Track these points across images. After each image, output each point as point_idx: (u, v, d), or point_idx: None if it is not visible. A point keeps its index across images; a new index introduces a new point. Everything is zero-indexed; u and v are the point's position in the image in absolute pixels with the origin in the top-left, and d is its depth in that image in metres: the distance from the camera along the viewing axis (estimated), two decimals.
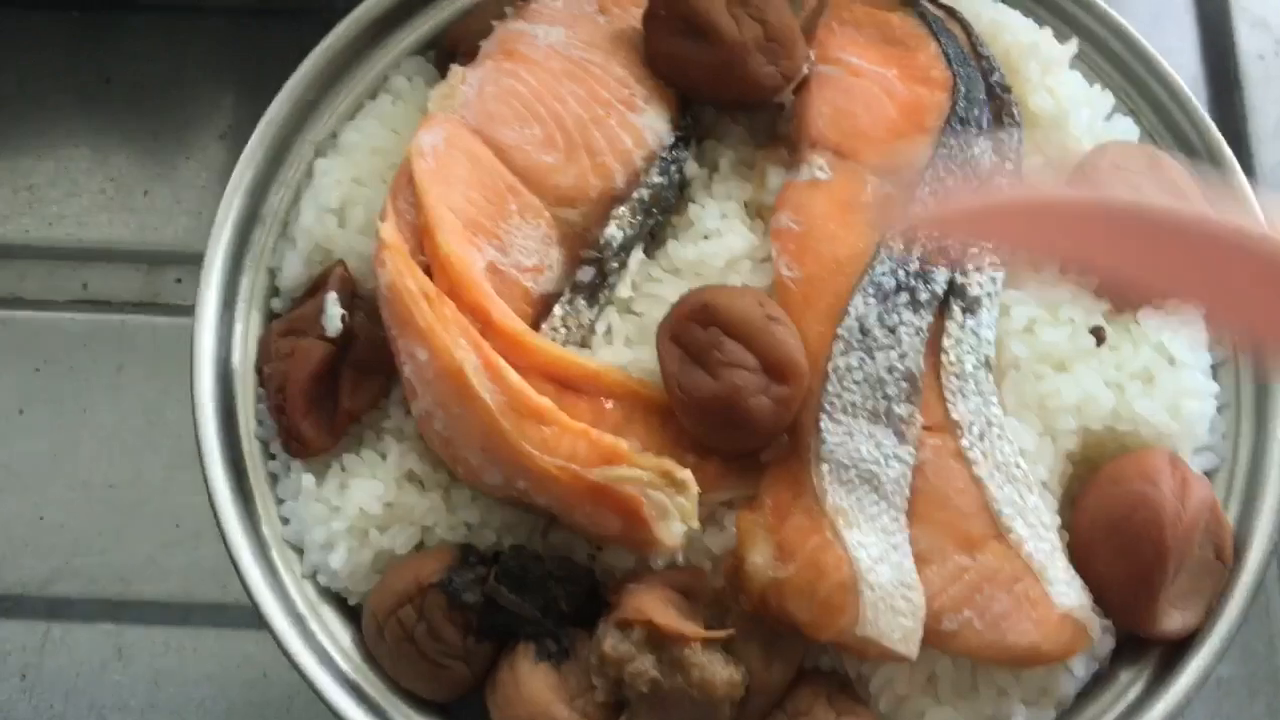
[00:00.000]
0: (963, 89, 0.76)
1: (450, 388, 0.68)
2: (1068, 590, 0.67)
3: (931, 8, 0.82)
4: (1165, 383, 0.72)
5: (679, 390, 0.68)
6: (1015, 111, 0.78)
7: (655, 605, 0.67)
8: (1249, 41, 1.18)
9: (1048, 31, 0.82)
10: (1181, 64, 1.18)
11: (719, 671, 0.66)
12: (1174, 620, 0.69)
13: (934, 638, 0.66)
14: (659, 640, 0.66)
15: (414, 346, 0.69)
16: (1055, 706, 0.70)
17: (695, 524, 0.67)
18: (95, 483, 0.99)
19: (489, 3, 0.85)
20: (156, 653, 0.94)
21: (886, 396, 0.69)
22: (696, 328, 0.68)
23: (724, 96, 0.79)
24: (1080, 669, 0.70)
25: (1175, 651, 0.70)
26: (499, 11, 0.83)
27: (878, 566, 0.66)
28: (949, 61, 0.78)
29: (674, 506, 0.67)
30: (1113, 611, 0.70)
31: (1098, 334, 0.73)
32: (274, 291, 0.80)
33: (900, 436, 0.69)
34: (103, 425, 1.01)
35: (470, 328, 0.69)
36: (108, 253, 1.07)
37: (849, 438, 0.68)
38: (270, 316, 0.80)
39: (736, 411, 0.67)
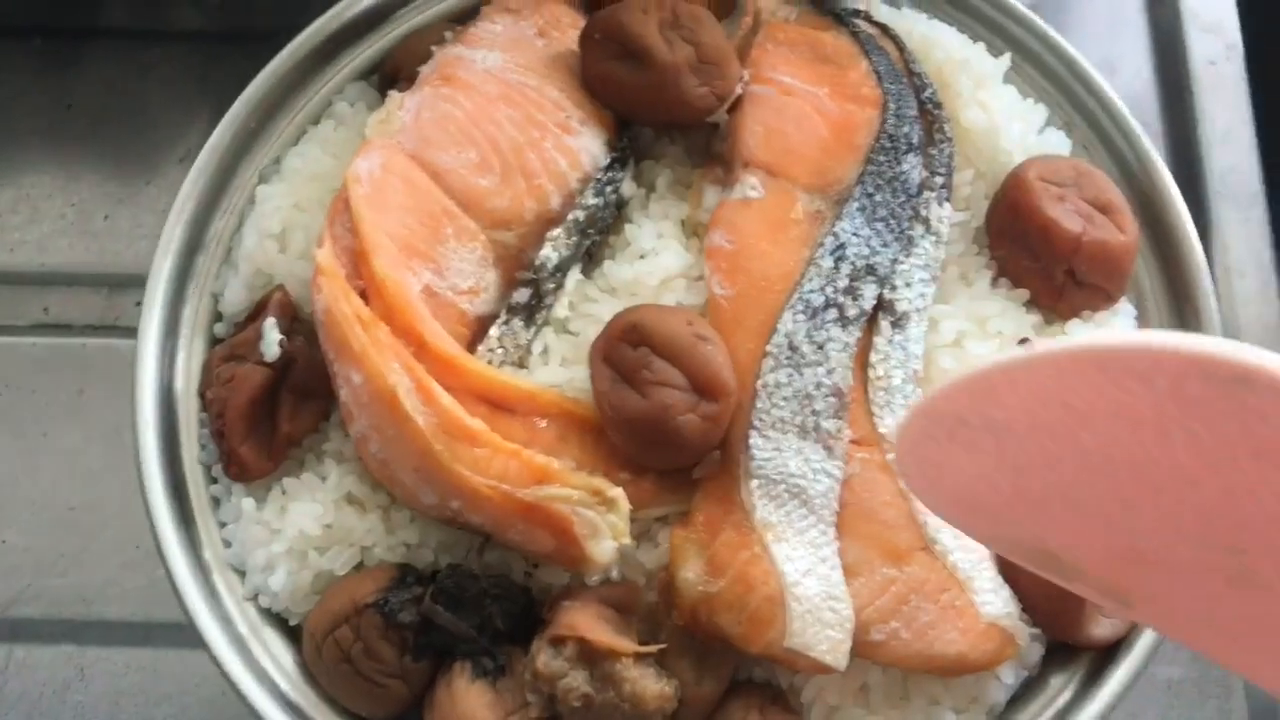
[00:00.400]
0: (893, 106, 0.78)
1: (384, 410, 0.69)
2: (994, 599, 0.68)
3: (864, 26, 0.83)
4: None
5: (609, 409, 0.69)
6: (947, 127, 0.79)
7: (587, 621, 0.67)
8: (1200, 47, 1.19)
9: (980, 47, 0.83)
10: (1133, 70, 1.19)
11: (650, 685, 0.67)
12: (1102, 628, 0.70)
13: (863, 648, 0.67)
14: (591, 655, 0.67)
15: (349, 370, 0.70)
16: (986, 714, 0.71)
17: (627, 541, 0.68)
18: (56, 505, 1.00)
19: (431, 29, 0.86)
20: (117, 673, 0.96)
21: (815, 412, 0.70)
22: (626, 347, 0.69)
23: (659, 117, 0.80)
24: (1009, 676, 0.71)
25: (1105, 657, 0.71)
26: (441, 37, 0.84)
27: (805, 580, 0.67)
28: (880, 79, 0.79)
29: (605, 524, 0.68)
30: (1042, 621, 0.71)
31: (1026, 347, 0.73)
32: (218, 316, 0.81)
33: (829, 451, 0.70)
34: (63, 448, 1.02)
35: (404, 351, 0.70)
36: (69, 277, 1.08)
37: (778, 453, 0.69)
38: (213, 341, 0.81)
39: (666, 429, 0.68)
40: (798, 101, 0.79)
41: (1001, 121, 0.80)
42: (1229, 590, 0.38)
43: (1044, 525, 0.42)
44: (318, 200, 0.80)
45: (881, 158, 0.76)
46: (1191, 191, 1.14)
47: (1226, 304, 1.08)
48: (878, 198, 0.75)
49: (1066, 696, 0.71)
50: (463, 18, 0.89)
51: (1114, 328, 0.77)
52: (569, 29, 0.85)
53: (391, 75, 0.85)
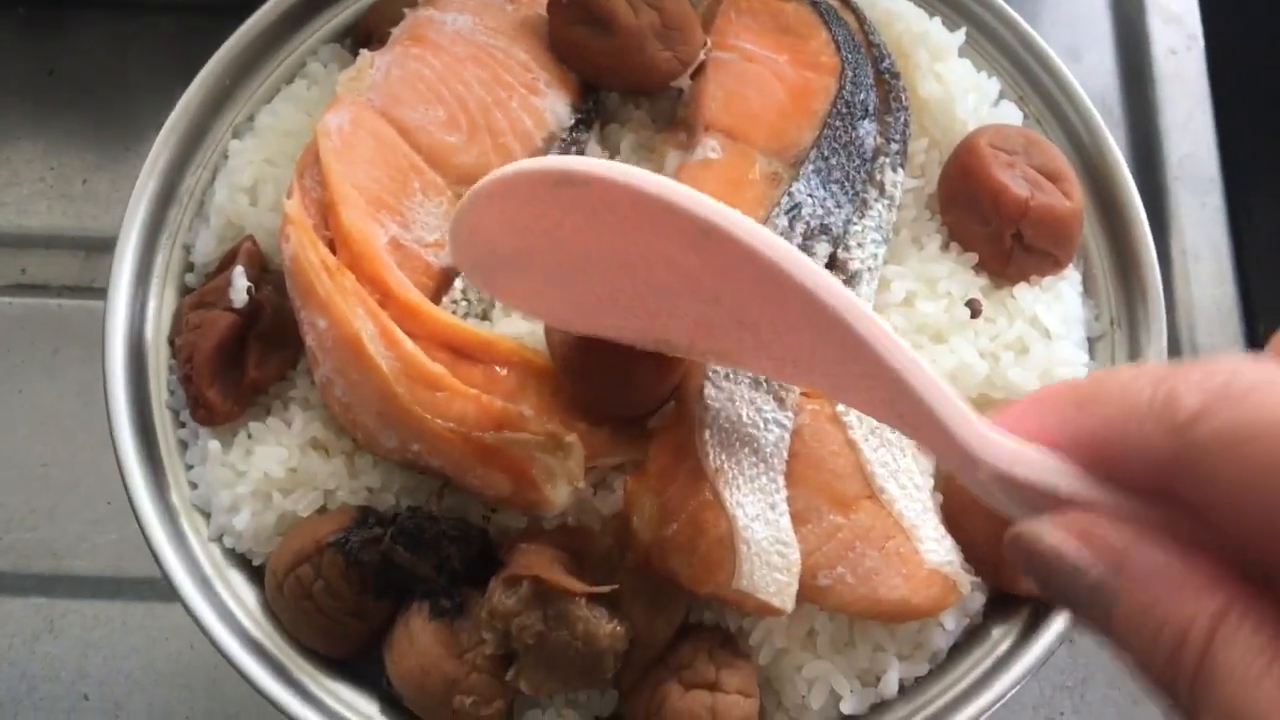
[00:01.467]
0: (849, 74, 0.80)
1: (348, 354, 0.71)
2: (937, 548, 0.70)
3: None
4: (1038, 353, 0.76)
5: (563, 352, 0.71)
6: (903, 96, 0.81)
7: (542, 562, 0.69)
8: (1162, 36, 1.22)
9: (937, 20, 0.85)
10: (1097, 59, 1.22)
11: (603, 625, 0.69)
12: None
13: (810, 593, 0.69)
14: (546, 595, 0.69)
15: (315, 316, 0.72)
16: (929, 660, 0.73)
17: (581, 484, 0.70)
18: (30, 462, 1.02)
19: None
20: (87, 626, 0.97)
21: None
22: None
23: (624, 82, 0.82)
24: (951, 623, 0.73)
25: (1043, 609, 0.74)
26: (412, 1, 0.86)
27: (754, 524, 0.69)
28: (838, 48, 0.81)
29: (561, 468, 0.70)
30: (984, 570, 0.73)
31: (973, 306, 0.76)
32: (189, 267, 0.83)
33: (780, 402, 0.72)
34: (38, 406, 1.04)
35: (368, 298, 0.72)
36: (47, 239, 1.10)
37: (730, 403, 0.71)
38: (185, 291, 0.82)
39: (628, 388, 0.70)
40: (758, 68, 0.81)
41: (957, 93, 0.82)
42: (744, 332, 0.56)
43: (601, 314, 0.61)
44: (289, 155, 0.82)
45: (837, 123, 0.78)
46: (1151, 176, 1.17)
47: (1183, 285, 1.11)
48: (833, 161, 0.77)
49: (1005, 645, 0.73)
50: None
51: (1061, 292, 0.79)
52: None
53: (364, 37, 0.88)
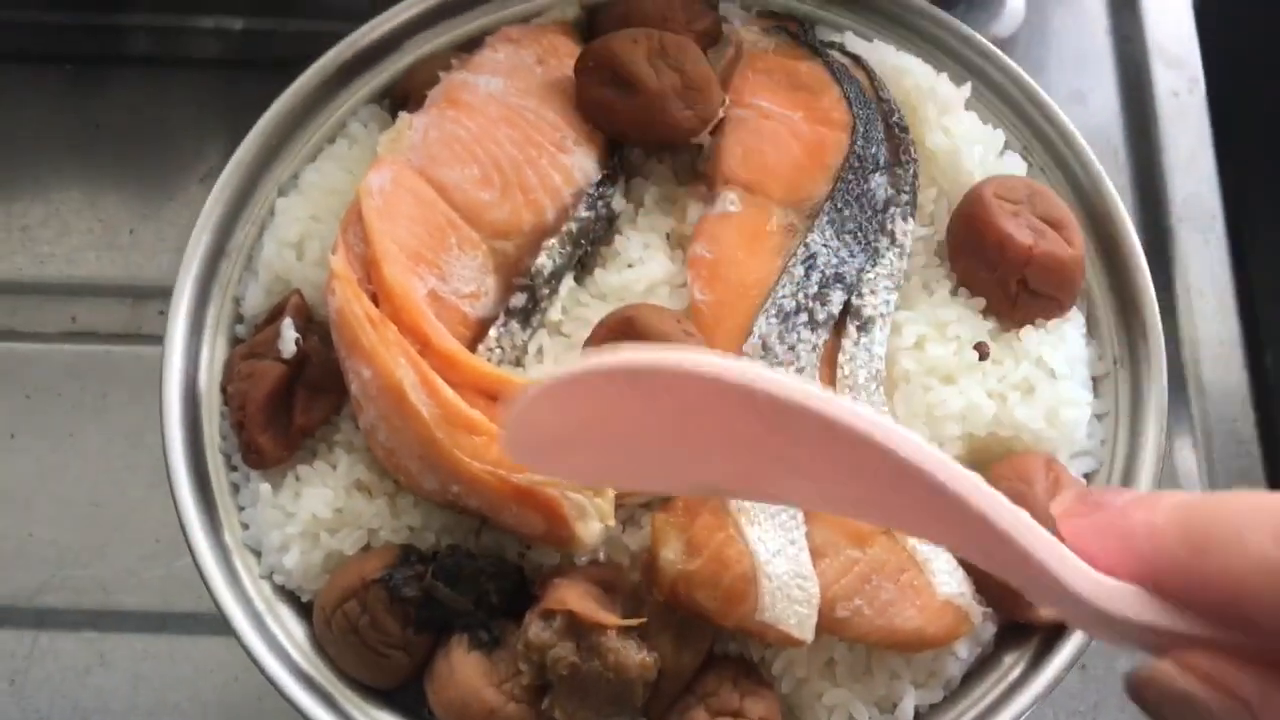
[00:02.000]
0: (861, 129, 0.84)
1: (391, 402, 0.75)
2: (949, 580, 0.74)
3: (838, 56, 0.90)
4: (1044, 393, 0.79)
5: None
6: (912, 149, 0.86)
7: (575, 596, 0.74)
8: (1164, 79, 1.26)
9: (944, 76, 0.90)
10: (1102, 101, 1.27)
11: (633, 655, 0.73)
12: (1049, 609, 0.76)
13: (829, 624, 0.73)
14: (578, 628, 0.73)
15: (360, 365, 0.77)
16: (943, 687, 0.77)
17: (611, 523, 0.74)
18: (80, 501, 1.06)
19: (438, 55, 0.93)
20: (136, 658, 1.02)
21: None
22: (620, 342, 0.75)
23: (648, 139, 0.87)
24: (964, 652, 0.76)
25: (1053, 636, 0.77)
26: (448, 64, 0.91)
27: (775, 559, 0.73)
28: (849, 104, 0.86)
29: (592, 507, 0.74)
30: (994, 600, 0.77)
31: (981, 350, 0.80)
32: (239, 319, 0.88)
33: None
34: (88, 449, 1.08)
35: (409, 348, 0.77)
36: (95, 288, 1.15)
37: None
38: (235, 341, 0.87)
39: None
40: (774, 124, 0.86)
41: (963, 145, 0.86)
42: (802, 480, 0.53)
43: (648, 477, 0.59)
44: (333, 212, 0.87)
45: (850, 176, 0.83)
46: (1156, 215, 1.21)
47: (1187, 320, 1.15)
48: (846, 212, 0.82)
49: (1017, 672, 0.77)
50: (468, 46, 0.96)
51: (1065, 334, 0.83)
52: (565, 57, 0.91)
53: (402, 98, 0.92)
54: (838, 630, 0.74)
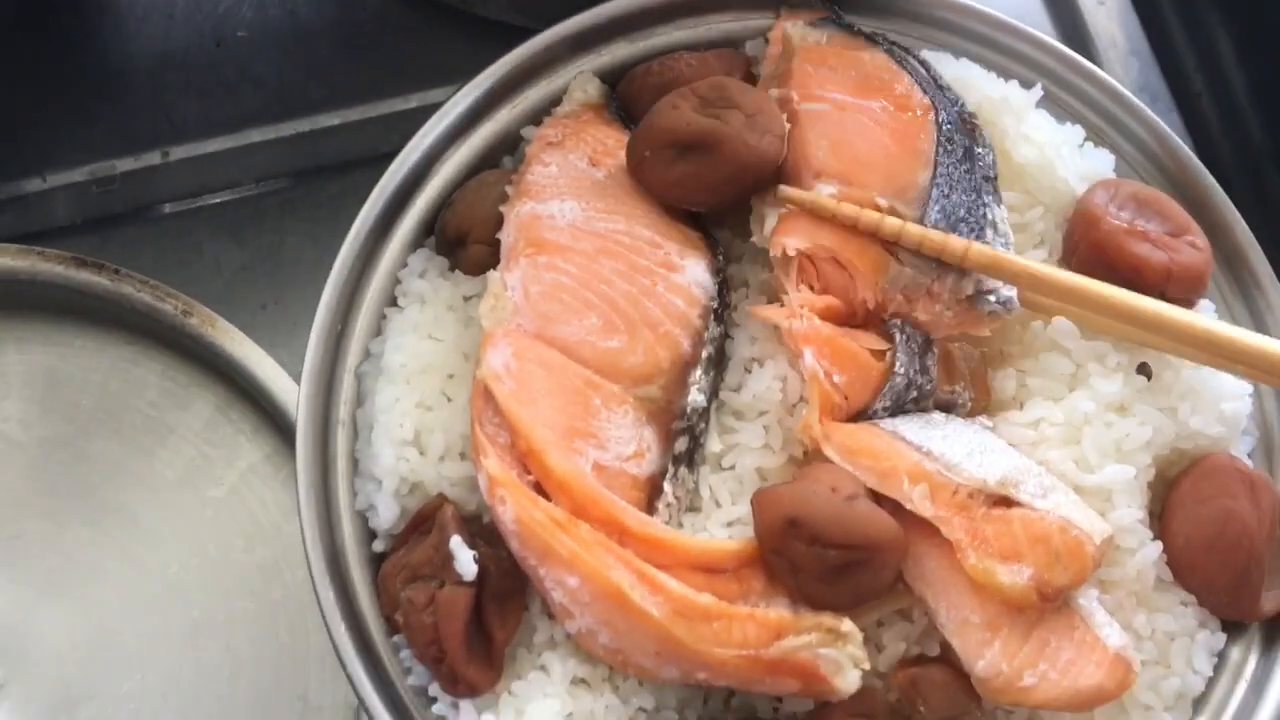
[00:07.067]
0: (943, 113, 0.81)
1: (612, 607, 0.71)
2: (1112, 631, 0.74)
3: (893, 41, 0.86)
4: (1207, 395, 0.80)
5: (806, 598, 0.72)
6: (984, 135, 0.83)
7: None
8: None
9: (1014, 82, 0.86)
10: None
11: None
12: (1270, 601, 0.79)
13: (1016, 695, 0.72)
14: None
15: (562, 575, 0.71)
16: (1191, 706, 0.79)
17: (867, 666, 0.72)
18: None
19: (480, 184, 0.85)
20: None
21: None
22: (795, 544, 0.71)
23: (742, 188, 0.81)
24: (1205, 666, 0.78)
25: (1271, 622, 0.80)
26: (487, 192, 0.83)
27: (1061, 505, 0.73)
28: (924, 89, 0.82)
29: (845, 657, 0.72)
30: (1219, 609, 0.79)
31: (1145, 371, 0.80)
32: (372, 536, 0.80)
33: None
34: None
35: (612, 544, 0.72)
36: None
37: None
38: (374, 559, 0.80)
39: (862, 598, 0.73)
40: (855, 115, 0.81)
41: (1052, 153, 0.84)
42: None
43: None
44: (438, 391, 0.79)
45: (947, 160, 0.79)
46: None
47: None
48: (953, 198, 0.78)
49: (1252, 666, 0.80)
50: (494, 157, 0.88)
51: None
52: (617, 150, 0.84)
53: (456, 238, 0.83)
54: (1024, 700, 0.73)
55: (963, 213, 0.79)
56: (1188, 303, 0.82)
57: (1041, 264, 0.79)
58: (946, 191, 0.79)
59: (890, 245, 0.78)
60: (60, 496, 0.97)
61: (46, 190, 1.12)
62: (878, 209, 0.78)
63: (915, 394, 0.78)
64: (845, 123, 0.81)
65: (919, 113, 0.82)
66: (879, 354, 0.78)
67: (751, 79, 0.88)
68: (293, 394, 0.93)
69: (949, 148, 0.80)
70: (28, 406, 0.99)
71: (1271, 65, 1.20)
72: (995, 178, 0.83)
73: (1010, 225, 0.82)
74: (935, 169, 0.79)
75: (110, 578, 0.96)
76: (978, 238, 0.78)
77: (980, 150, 0.82)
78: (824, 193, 0.79)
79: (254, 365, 0.96)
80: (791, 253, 0.77)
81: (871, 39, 0.86)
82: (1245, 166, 1.22)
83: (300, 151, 1.15)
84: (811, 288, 0.78)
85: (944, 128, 0.81)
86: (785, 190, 0.78)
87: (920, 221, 0.78)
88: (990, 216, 0.80)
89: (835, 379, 0.76)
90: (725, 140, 0.78)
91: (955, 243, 0.77)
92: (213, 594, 0.96)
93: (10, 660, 0.93)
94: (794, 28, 0.87)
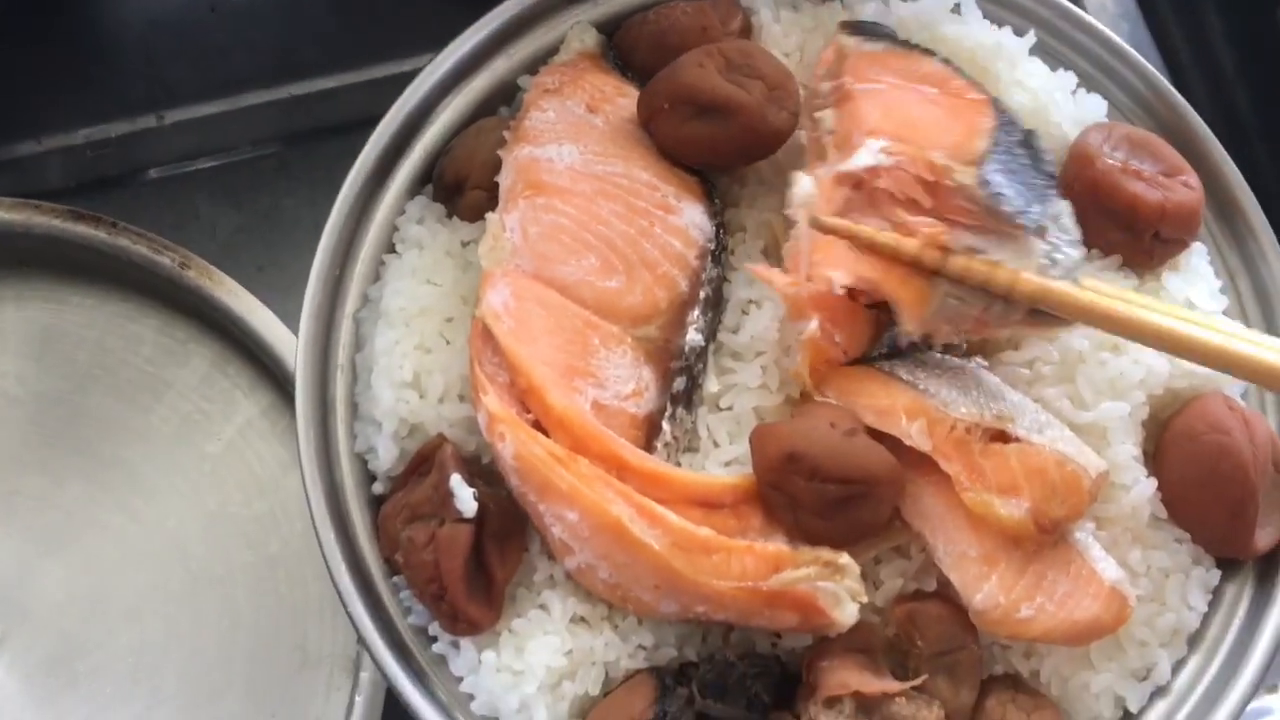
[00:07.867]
0: (1000, 103, 0.81)
1: (611, 540, 0.71)
2: (1108, 565, 0.75)
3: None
4: None
5: (804, 533, 0.73)
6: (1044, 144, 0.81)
7: (853, 675, 0.73)
8: None
9: (1007, 29, 0.87)
10: None
11: (925, 713, 0.73)
12: (1264, 538, 0.79)
13: (1013, 627, 0.73)
14: (867, 704, 0.72)
15: (561, 509, 0.72)
16: (1187, 643, 0.80)
17: (865, 600, 0.73)
18: None
19: (479, 130, 0.85)
20: None
21: None
22: (794, 478, 0.71)
23: (748, 157, 0.82)
24: (1199, 602, 0.79)
25: (1266, 559, 0.81)
26: (485, 139, 0.83)
27: (1057, 441, 0.74)
28: (980, 87, 0.82)
29: (843, 590, 0.72)
30: (1213, 545, 0.80)
31: None
32: (372, 478, 0.80)
33: None
34: None
35: (611, 479, 0.72)
36: None
37: None
38: (374, 501, 0.80)
39: (859, 533, 0.73)
40: (910, 92, 0.81)
41: (1045, 99, 0.85)
42: None
43: None
44: (437, 334, 0.80)
45: (1007, 139, 0.78)
46: None
47: None
48: (1013, 171, 0.76)
49: (1245, 603, 0.80)
50: (491, 105, 0.88)
51: (1196, 268, 0.84)
52: (615, 97, 0.85)
53: (454, 184, 0.84)
54: (1021, 632, 0.73)
55: (1025, 177, 0.76)
56: (1181, 243, 0.83)
57: (1095, 293, 0.74)
58: (1006, 162, 0.76)
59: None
60: (58, 452, 0.98)
61: (41, 153, 1.13)
62: (933, 167, 0.76)
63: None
64: (902, 95, 0.81)
65: (976, 97, 0.81)
66: (879, 306, 0.78)
67: (747, 29, 0.89)
68: (290, 347, 0.93)
69: (1009, 130, 0.78)
70: (24, 363, 0.99)
71: (1258, 38, 1.22)
72: (1056, 177, 0.80)
73: None
74: (994, 140, 0.77)
75: (108, 532, 0.96)
76: (1038, 222, 0.75)
77: (1041, 149, 0.80)
78: (874, 148, 0.77)
79: (251, 317, 0.96)
80: (839, 290, 0.75)
81: (928, 51, 0.85)
82: (1231, 136, 1.22)
83: (296, 115, 1.16)
84: None
85: (1002, 113, 0.79)
86: (823, 219, 0.75)
87: (979, 182, 0.74)
88: (1054, 210, 0.77)
89: (836, 339, 0.77)
90: (744, 109, 0.79)
91: (1002, 273, 0.73)
92: (211, 547, 0.96)
93: (9, 614, 0.94)
94: (848, 38, 0.85)
